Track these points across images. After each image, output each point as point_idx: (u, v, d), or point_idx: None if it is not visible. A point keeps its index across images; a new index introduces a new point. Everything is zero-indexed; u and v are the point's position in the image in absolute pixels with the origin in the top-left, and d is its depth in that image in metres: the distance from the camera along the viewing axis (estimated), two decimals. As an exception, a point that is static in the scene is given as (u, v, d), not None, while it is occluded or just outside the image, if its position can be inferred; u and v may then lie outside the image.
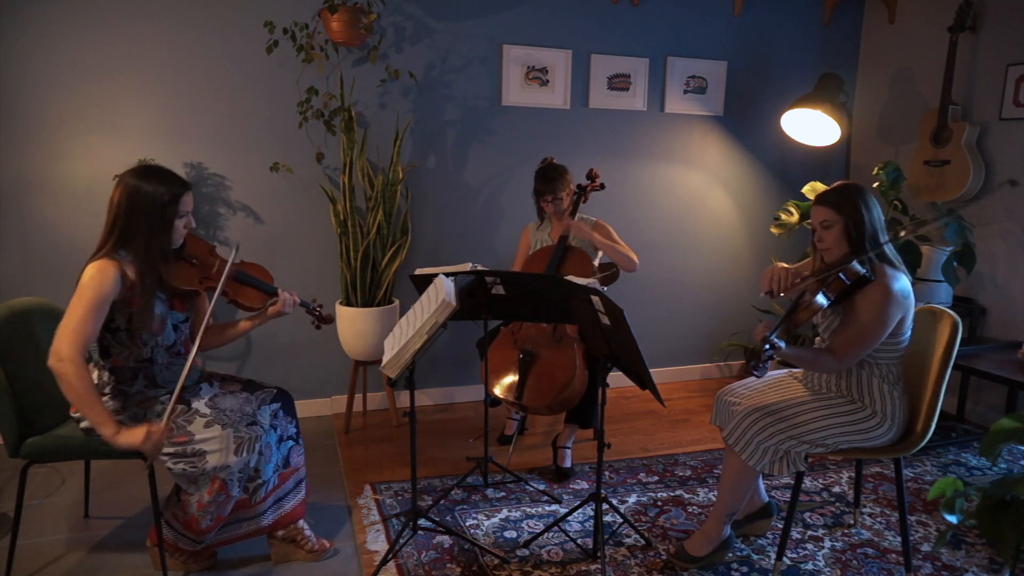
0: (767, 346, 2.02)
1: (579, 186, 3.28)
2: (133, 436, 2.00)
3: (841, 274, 2.12)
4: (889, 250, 2.22)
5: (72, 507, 2.78)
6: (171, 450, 2.15)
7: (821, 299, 2.10)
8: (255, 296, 2.36)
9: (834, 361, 2.18)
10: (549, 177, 3.18)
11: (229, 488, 2.19)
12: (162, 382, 2.22)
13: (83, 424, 2.19)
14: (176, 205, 2.10)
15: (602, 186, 3.31)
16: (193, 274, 2.23)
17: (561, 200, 3.18)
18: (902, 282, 2.17)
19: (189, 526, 2.24)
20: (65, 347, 1.95)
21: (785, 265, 2.35)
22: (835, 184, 2.32)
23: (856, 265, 2.12)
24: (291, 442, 2.40)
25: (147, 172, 2.12)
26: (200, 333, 2.14)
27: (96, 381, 2.14)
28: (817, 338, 2.42)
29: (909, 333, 2.24)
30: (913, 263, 3.46)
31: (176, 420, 2.16)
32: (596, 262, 3.19)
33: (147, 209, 2.06)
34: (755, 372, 2.01)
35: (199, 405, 2.22)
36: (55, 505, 2.80)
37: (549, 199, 3.19)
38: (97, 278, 2.00)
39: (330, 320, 2.56)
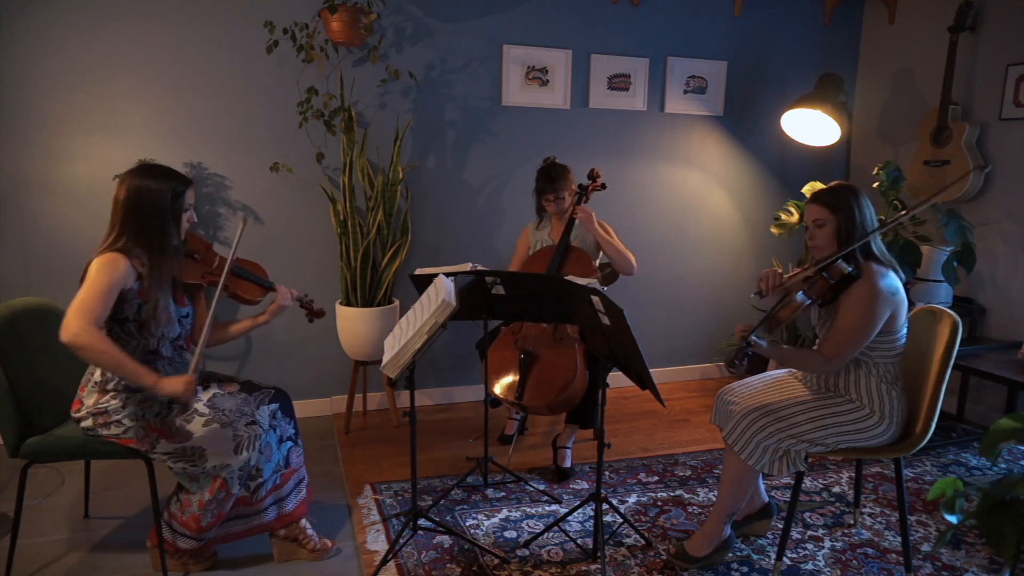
0: (745, 343, 2.08)
1: (580, 186, 3.27)
2: (175, 383, 2.10)
3: (824, 273, 2.13)
4: (877, 247, 2.22)
5: (72, 507, 2.78)
6: (171, 449, 2.17)
7: (801, 296, 2.13)
8: (253, 289, 2.47)
9: (822, 360, 2.18)
10: (552, 176, 3.17)
11: (230, 486, 2.22)
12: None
13: (83, 424, 2.20)
14: (181, 200, 2.19)
15: (603, 186, 3.30)
16: (196, 268, 2.32)
17: (563, 199, 3.18)
18: (889, 279, 2.17)
19: (188, 525, 2.25)
20: (72, 320, 1.98)
21: (780, 269, 2.37)
22: (830, 184, 2.33)
23: (841, 264, 2.13)
24: (290, 443, 2.41)
25: (150, 170, 2.19)
26: (208, 321, 2.20)
27: (101, 377, 2.17)
28: (818, 340, 2.42)
29: (904, 331, 2.24)
30: (913, 263, 3.46)
31: (175, 421, 2.18)
32: (596, 262, 3.19)
33: (155, 206, 2.14)
34: (731, 369, 2.08)
35: (198, 405, 2.22)
36: (55, 505, 2.80)
37: (551, 198, 3.19)
38: (108, 266, 2.06)
39: (322, 314, 2.64)
